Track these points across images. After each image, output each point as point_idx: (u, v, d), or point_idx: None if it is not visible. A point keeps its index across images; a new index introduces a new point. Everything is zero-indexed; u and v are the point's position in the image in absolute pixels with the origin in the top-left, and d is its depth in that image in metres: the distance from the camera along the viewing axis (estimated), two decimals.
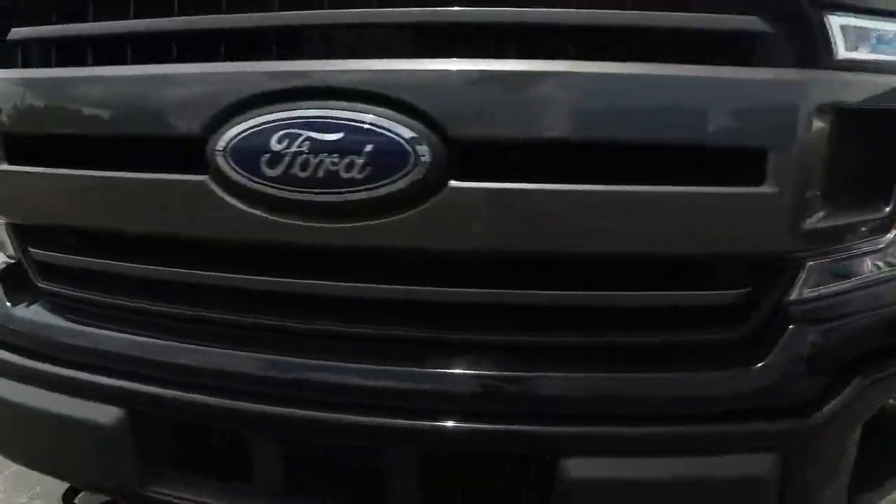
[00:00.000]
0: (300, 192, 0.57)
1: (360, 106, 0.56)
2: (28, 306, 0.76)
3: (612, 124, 0.55)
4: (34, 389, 0.72)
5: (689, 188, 0.57)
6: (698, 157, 0.57)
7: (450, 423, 0.60)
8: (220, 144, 0.59)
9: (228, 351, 0.64)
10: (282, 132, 0.57)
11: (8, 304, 0.76)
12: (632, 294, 0.60)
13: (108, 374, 0.69)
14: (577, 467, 0.58)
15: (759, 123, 0.56)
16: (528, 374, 0.60)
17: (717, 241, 0.59)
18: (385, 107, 0.55)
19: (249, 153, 0.58)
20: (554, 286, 0.60)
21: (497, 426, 0.59)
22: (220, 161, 0.59)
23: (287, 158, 0.57)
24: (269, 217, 0.59)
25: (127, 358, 0.69)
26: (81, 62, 0.68)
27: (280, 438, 0.64)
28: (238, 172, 0.59)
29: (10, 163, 0.73)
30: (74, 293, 0.75)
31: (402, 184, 0.56)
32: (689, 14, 0.55)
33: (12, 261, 0.84)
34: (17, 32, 0.71)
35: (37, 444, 0.74)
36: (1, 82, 0.73)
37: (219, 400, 0.63)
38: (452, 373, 0.60)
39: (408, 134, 0.55)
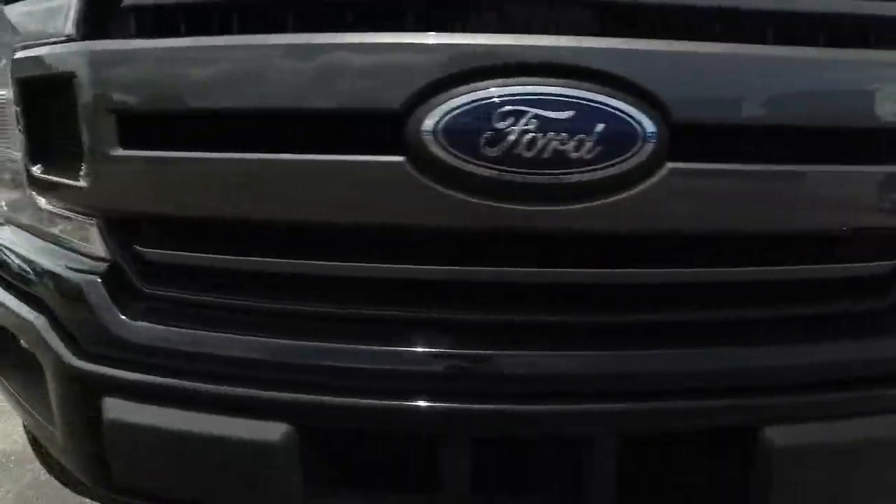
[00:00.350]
0: (525, 173, 0.54)
1: (589, 85, 0.54)
2: (147, 316, 0.66)
3: (825, 109, 0.58)
4: (167, 411, 0.63)
5: (871, 167, 0.61)
6: (878, 139, 0.62)
7: (655, 404, 0.61)
8: (428, 123, 0.54)
9: (421, 350, 0.59)
10: (506, 108, 0.53)
11: (122, 316, 0.65)
12: (816, 267, 0.63)
13: (270, 386, 0.61)
14: (779, 435, 0.61)
15: None
16: (736, 348, 0.61)
17: (887, 215, 0.64)
18: (615, 87, 0.54)
19: (466, 132, 0.54)
20: (746, 263, 0.62)
21: (704, 402, 0.60)
22: (428, 140, 0.54)
23: (511, 137, 0.53)
24: (483, 201, 0.55)
25: (291, 367, 0.62)
26: (226, 30, 0.60)
27: (473, 438, 0.61)
28: (450, 153, 0.54)
29: (128, 147, 0.62)
30: (204, 298, 0.65)
31: (627, 165, 0.55)
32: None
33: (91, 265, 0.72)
34: None
35: (176, 470, 0.64)
36: (117, 55, 0.62)
37: (415, 403, 0.58)
38: (662, 353, 0.61)
39: (638, 115, 0.54)
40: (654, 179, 0.56)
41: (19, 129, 0.76)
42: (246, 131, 0.60)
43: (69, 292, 0.68)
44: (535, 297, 0.60)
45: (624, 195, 0.56)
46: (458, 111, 0.54)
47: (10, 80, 0.75)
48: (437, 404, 0.58)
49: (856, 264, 0.64)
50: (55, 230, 0.75)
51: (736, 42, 0.57)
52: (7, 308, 0.75)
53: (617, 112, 0.54)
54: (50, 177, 0.72)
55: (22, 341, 0.77)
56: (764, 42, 0.57)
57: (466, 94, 0.54)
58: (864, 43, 0.58)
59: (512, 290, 0.60)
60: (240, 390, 0.62)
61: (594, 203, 0.56)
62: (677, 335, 0.62)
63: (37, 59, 0.70)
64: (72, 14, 0.65)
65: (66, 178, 0.70)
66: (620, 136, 0.54)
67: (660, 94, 0.54)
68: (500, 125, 0.53)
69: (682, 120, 0.55)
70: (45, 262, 0.72)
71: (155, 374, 0.64)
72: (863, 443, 0.61)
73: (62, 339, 0.68)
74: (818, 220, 0.61)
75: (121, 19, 0.64)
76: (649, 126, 0.54)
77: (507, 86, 0.54)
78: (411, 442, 0.62)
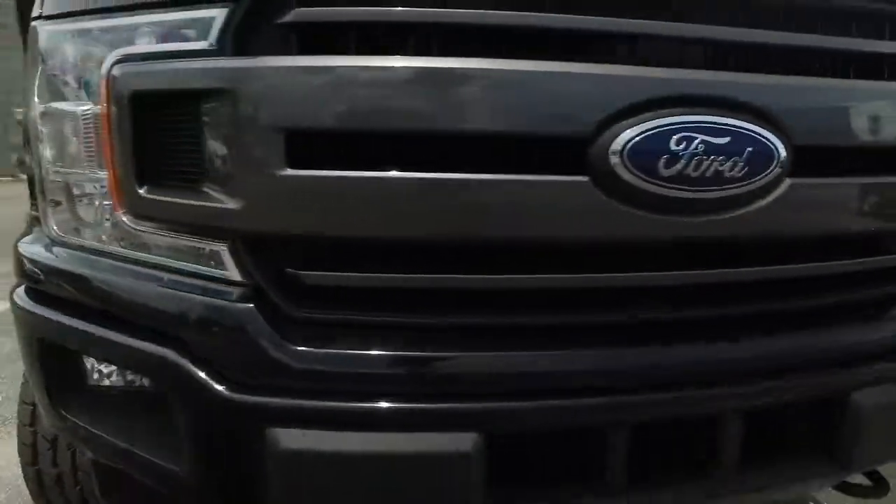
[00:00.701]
0: (692, 190, 0.62)
1: (740, 114, 0.64)
2: (309, 340, 0.63)
3: None
4: (344, 434, 0.61)
5: None
6: None
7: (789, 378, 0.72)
8: (616, 146, 0.60)
9: (607, 350, 0.65)
10: (680, 135, 0.61)
11: (285, 342, 0.62)
12: None
13: (451, 398, 0.63)
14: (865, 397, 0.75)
15: None
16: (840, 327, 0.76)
17: None
18: (758, 116, 0.64)
19: (648, 154, 0.61)
20: (845, 257, 0.76)
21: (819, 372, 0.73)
22: (614, 162, 0.60)
23: (683, 160, 0.61)
24: (658, 216, 0.63)
25: (472, 377, 0.64)
26: (402, 51, 0.60)
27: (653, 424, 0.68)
28: (632, 173, 0.61)
29: (296, 167, 0.60)
30: (365, 317, 0.65)
31: (764, 180, 0.66)
32: None
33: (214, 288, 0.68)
34: (306, 14, 0.59)
35: (357, 493, 0.62)
36: (289, 72, 0.59)
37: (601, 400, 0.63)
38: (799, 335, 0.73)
39: (774, 140, 0.65)
40: (778, 192, 0.68)
41: (112, 147, 0.69)
42: (426, 152, 0.61)
43: (215, 322, 0.64)
44: (699, 295, 0.69)
45: (758, 205, 0.67)
46: (641, 136, 0.61)
47: (102, 94, 0.68)
48: (616, 398, 0.65)
49: None
50: (166, 255, 0.69)
51: (840, 77, 0.71)
52: (115, 343, 0.68)
53: (760, 137, 0.65)
54: (165, 198, 0.67)
55: (127, 378, 0.69)
56: (863, 77, 0.72)
57: (649, 121, 0.61)
58: None
59: (681, 289, 0.68)
60: (420, 405, 0.63)
61: (738, 213, 0.66)
62: (802, 320, 0.75)
63: (159, 73, 0.64)
64: (216, 27, 0.62)
65: (195, 200, 0.65)
66: (761, 158, 0.65)
67: (789, 124, 0.66)
68: (675, 149, 0.61)
69: (801, 143, 0.68)
70: (169, 292, 0.67)
71: (324, 400, 0.63)
72: None
73: (208, 373, 0.63)
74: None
75: (277, 34, 0.62)
76: (781, 149, 0.66)
77: (680, 114, 0.62)
78: (583, 437, 0.68)
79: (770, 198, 0.67)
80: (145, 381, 0.73)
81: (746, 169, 0.64)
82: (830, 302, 0.76)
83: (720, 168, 0.63)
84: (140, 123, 0.66)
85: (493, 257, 0.64)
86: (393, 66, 0.59)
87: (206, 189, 0.64)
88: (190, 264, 0.69)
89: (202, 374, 0.63)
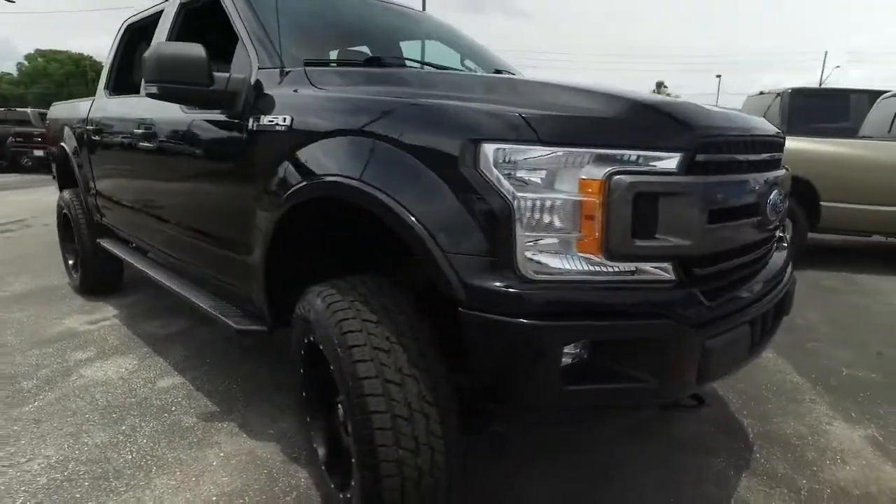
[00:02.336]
0: None
1: None
2: (706, 296, 1.36)
3: None
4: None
5: None
6: None
7: None
8: None
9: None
10: None
11: (697, 301, 1.34)
12: None
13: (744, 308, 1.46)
14: None
15: None
16: None
17: None
18: None
19: None
20: None
21: None
22: None
23: None
24: None
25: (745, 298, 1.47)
26: None
27: None
28: None
29: (714, 221, 1.32)
30: (721, 283, 1.41)
31: None
32: None
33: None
34: (708, 157, 1.32)
35: None
36: (703, 183, 1.31)
37: None
38: None
39: None
40: None
41: (605, 218, 1.25)
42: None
43: (668, 299, 1.30)
44: None
45: None
46: None
47: (591, 189, 1.23)
48: None
49: None
50: (631, 274, 1.29)
51: None
52: (624, 326, 1.27)
53: None
54: (641, 243, 1.28)
55: None
56: None
57: None
58: None
59: None
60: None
61: None
62: None
63: (643, 182, 1.25)
64: (676, 162, 1.28)
65: (657, 243, 1.30)
66: None
67: None
68: None
69: None
70: (641, 292, 1.30)
71: (718, 323, 1.37)
72: None
73: (686, 325, 1.30)
74: None
75: (695, 165, 1.32)
76: None
77: None
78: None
79: None
80: (642, 341, 1.30)
81: None
82: None
83: None
84: (627, 205, 1.25)
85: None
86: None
87: (664, 236, 1.29)
88: (647, 275, 1.32)
89: (686, 326, 1.30)
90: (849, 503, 1.92)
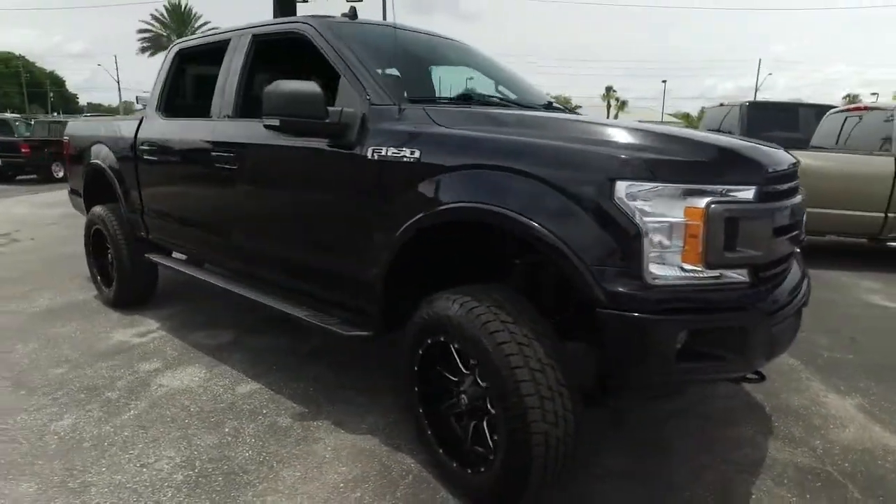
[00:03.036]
0: None
1: None
2: (766, 289, 1.76)
3: None
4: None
5: None
6: None
7: None
8: None
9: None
10: None
11: (763, 294, 1.75)
12: None
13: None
14: None
15: None
16: None
17: None
18: None
19: None
20: None
21: None
22: None
23: None
24: None
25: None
26: None
27: None
28: None
29: (777, 235, 1.73)
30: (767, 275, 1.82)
31: None
32: None
33: None
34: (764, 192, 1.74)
35: None
36: (762, 209, 1.71)
37: None
38: None
39: None
40: None
41: (706, 236, 1.64)
42: None
43: (753, 297, 1.71)
44: None
45: None
46: None
47: (694, 214, 1.62)
48: None
49: None
50: (719, 279, 1.69)
51: None
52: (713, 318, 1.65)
53: None
54: (730, 255, 1.67)
55: None
56: None
57: None
58: None
59: None
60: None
61: None
62: None
63: (734, 208, 1.64)
64: (752, 193, 1.69)
65: (739, 255, 1.69)
66: None
67: None
68: None
69: None
70: (729, 293, 1.69)
71: (772, 304, 1.79)
72: None
73: (760, 311, 1.71)
74: None
75: (758, 197, 1.72)
76: None
77: None
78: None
79: None
80: (730, 329, 1.68)
81: None
82: None
83: None
84: (720, 227, 1.64)
85: None
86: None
87: (743, 249, 1.69)
88: (730, 279, 1.71)
89: (761, 316, 1.70)
90: (854, 456, 2.40)
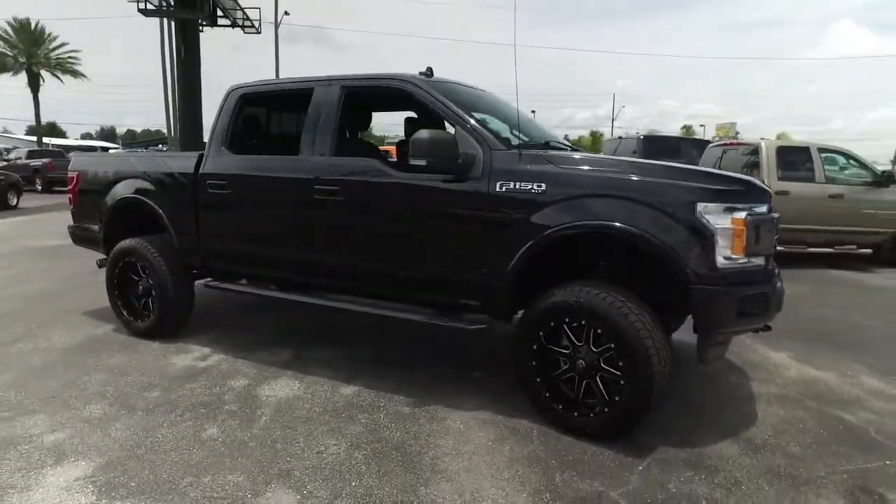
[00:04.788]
0: None
1: None
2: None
3: None
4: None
5: None
6: None
7: None
8: None
9: None
10: None
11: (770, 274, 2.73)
12: None
13: None
14: None
15: None
16: None
17: None
18: None
19: None
20: None
21: None
22: None
23: None
24: None
25: None
26: None
27: None
28: None
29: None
30: None
31: None
32: None
33: None
34: None
35: None
36: None
37: None
38: None
39: None
40: None
41: (746, 237, 2.58)
42: None
43: (770, 275, 2.68)
44: None
45: None
46: None
47: (735, 222, 2.56)
48: None
49: None
50: (754, 263, 2.63)
51: None
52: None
53: None
54: (759, 247, 2.63)
55: None
56: None
57: None
58: None
59: None
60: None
61: None
62: None
63: (760, 219, 2.60)
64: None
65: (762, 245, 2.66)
66: None
67: None
68: None
69: None
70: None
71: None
72: None
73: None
74: None
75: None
76: None
77: None
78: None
79: None
80: (760, 294, 2.61)
81: None
82: None
83: None
84: (753, 230, 2.59)
85: None
86: None
87: (762, 244, 2.65)
88: (754, 264, 2.66)
89: (773, 286, 2.68)
90: (800, 383, 3.54)
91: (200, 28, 16.38)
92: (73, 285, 5.93)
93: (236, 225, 3.80)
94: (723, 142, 9.19)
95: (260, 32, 20.59)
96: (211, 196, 3.79)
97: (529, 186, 2.77)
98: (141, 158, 4.35)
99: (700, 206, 2.53)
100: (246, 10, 19.09)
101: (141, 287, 4.22)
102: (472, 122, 3.04)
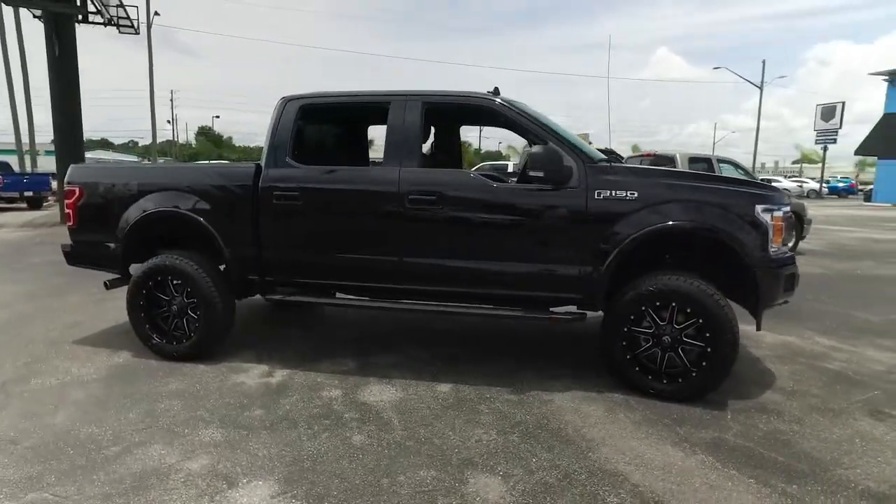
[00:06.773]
0: None
1: None
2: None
3: None
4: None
5: None
6: None
7: None
8: None
9: None
10: None
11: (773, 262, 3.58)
12: None
13: None
14: None
15: None
16: None
17: None
18: None
19: None
20: None
21: None
22: None
23: None
24: None
25: None
26: None
27: None
28: None
29: None
30: None
31: None
32: None
33: None
34: None
35: None
36: None
37: None
38: None
39: None
40: None
41: (782, 234, 3.37)
42: None
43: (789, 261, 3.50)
44: None
45: None
46: None
47: (774, 221, 3.34)
48: None
49: None
50: (785, 254, 3.42)
51: None
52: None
53: None
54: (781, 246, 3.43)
55: None
56: None
57: None
58: None
59: None
60: None
61: None
62: None
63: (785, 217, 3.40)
64: None
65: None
66: None
67: None
68: None
69: None
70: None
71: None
72: None
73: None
74: None
75: None
76: None
77: None
78: None
79: None
80: (791, 275, 3.40)
81: None
82: None
83: None
84: (788, 224, 3.39)
85: None
86: None
87: (789, 235, 3.47)
88: (785, 252, 3.46)
89: (795, 267, 3.50)
90: (778, 346, 4.53)
91: (77, 22, 14.39)
92: (27, 311, 5.09)
93: (310, 235, 3.74)
94: (641, 153, 10.66)
95: (139, 33, 18.58)
96: (278, 207, 3.69)
97: (625, 195, 3.29)
98: (180, 170, 4.02)
99: (759, 208, 3.25)
100: (126, 7, 17.05)
101: (175, 306, 3.90)
102: (568, 138, 3.48)
